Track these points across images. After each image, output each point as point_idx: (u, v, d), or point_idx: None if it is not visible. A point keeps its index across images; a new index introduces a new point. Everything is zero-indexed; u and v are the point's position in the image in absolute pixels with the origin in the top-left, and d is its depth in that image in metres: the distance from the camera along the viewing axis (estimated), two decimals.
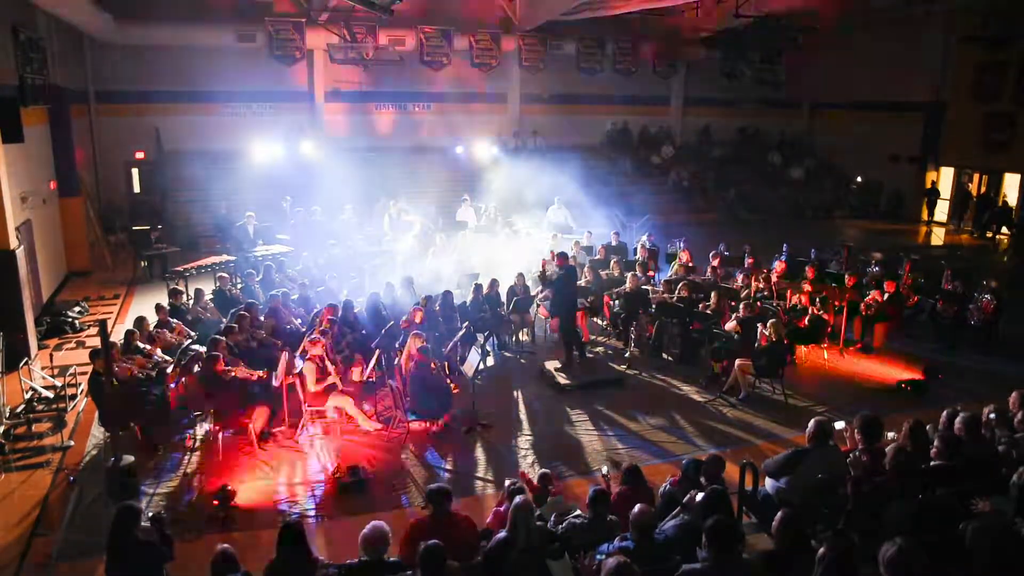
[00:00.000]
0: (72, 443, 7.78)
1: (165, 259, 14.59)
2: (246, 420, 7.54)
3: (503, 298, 11.09)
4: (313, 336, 8.47)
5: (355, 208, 15.97)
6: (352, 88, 20.14)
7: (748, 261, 12.53)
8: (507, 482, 5.53)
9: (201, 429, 7.95)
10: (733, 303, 10.53)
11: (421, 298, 10.10)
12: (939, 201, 21.78)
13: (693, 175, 22.75)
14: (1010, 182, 20.09)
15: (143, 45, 17.52)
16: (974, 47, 19.63)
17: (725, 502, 4.72)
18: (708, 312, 10.39)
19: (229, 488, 6.55)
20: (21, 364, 9.13)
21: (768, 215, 21.31)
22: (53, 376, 9.37)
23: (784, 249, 13.41)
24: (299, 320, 10.17)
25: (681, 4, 17.59)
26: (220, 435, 7.59)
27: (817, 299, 10.89)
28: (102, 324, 6.65)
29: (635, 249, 13.77)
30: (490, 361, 10.15)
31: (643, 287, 11.22)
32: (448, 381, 8.69)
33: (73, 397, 8.71)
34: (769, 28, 18.62)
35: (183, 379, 8.09)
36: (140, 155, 18.63)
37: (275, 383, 7.99)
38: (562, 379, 9.48)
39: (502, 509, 5.00)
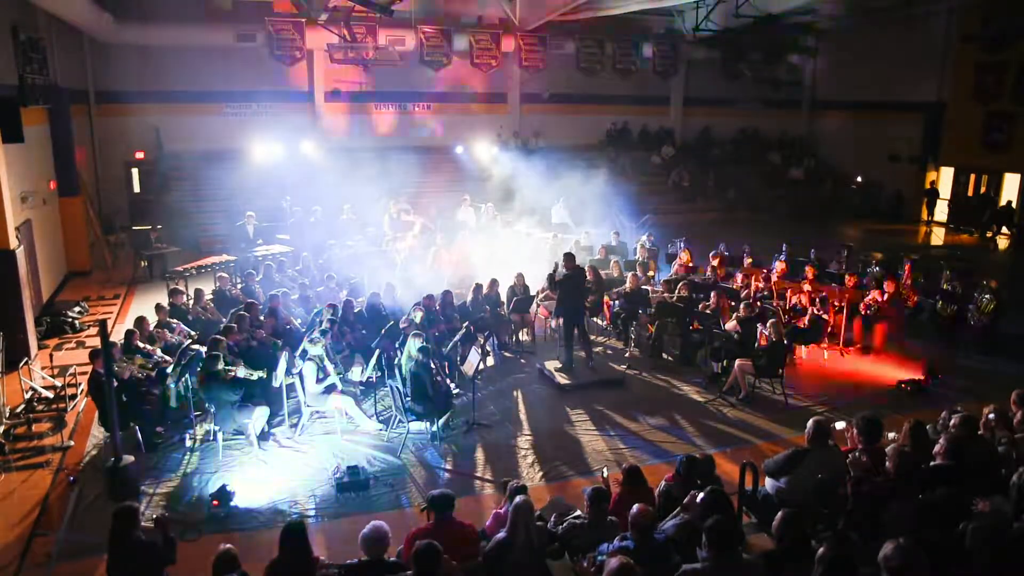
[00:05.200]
0: (72, 443, 7.78)
1: (165, 259, 14.58)
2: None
3: (503, 298, 11.09)
4: (313, 336, 8.47)
5: (355, 208, 15.97)
6: (352, 88, 20.14)
7: (747, 261, 12.51)
8: (510, 483, 5.51)
9: (201, 429, 7.95)
10: (733, 303, 10.53)
11: (422, 297, 10.09)
12: (939, 201, 21.77)
13: (693, 175, 22.74)
14: (1010, 182, 20.09)
15: (143, 45, 17.51)
16: (974, 47, 19.64)
17: (725, 502, 4.72)
18: (708, 312, 10.39)
19: (229, 488, 6.56)
20: (21, 364, 9.13)
21: (768, 215, 21.31)
22: (53, 376, 9.37)
23: (784, 249, 13.40)
24: (299, 320, 10.17)
25: (680, 4, 17.59)
26: (220, 435, 7.59)
27: (817, 299, 10.90)
28: (102, 324, 6.66)
29: (635, 249, 13.77)
30: (490, 361, 10.14)
31: (643, 287, 11.23)
32: (448, 381, 8.68)
33: (73, 397, 8.71)
34: (769, 28, 18.61)
35: (183, 379, 8.07)
36: (140, 155, 18.60)
37: (275, 383, 7.98)
38: (562, 379, 9.47)
39: (502, 511, 4.99)
